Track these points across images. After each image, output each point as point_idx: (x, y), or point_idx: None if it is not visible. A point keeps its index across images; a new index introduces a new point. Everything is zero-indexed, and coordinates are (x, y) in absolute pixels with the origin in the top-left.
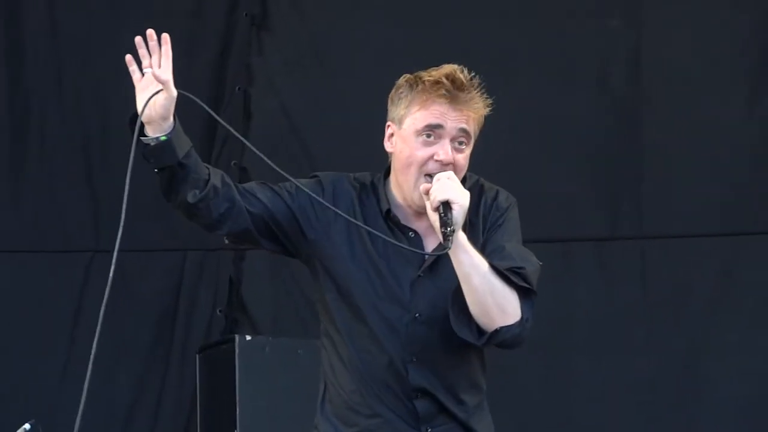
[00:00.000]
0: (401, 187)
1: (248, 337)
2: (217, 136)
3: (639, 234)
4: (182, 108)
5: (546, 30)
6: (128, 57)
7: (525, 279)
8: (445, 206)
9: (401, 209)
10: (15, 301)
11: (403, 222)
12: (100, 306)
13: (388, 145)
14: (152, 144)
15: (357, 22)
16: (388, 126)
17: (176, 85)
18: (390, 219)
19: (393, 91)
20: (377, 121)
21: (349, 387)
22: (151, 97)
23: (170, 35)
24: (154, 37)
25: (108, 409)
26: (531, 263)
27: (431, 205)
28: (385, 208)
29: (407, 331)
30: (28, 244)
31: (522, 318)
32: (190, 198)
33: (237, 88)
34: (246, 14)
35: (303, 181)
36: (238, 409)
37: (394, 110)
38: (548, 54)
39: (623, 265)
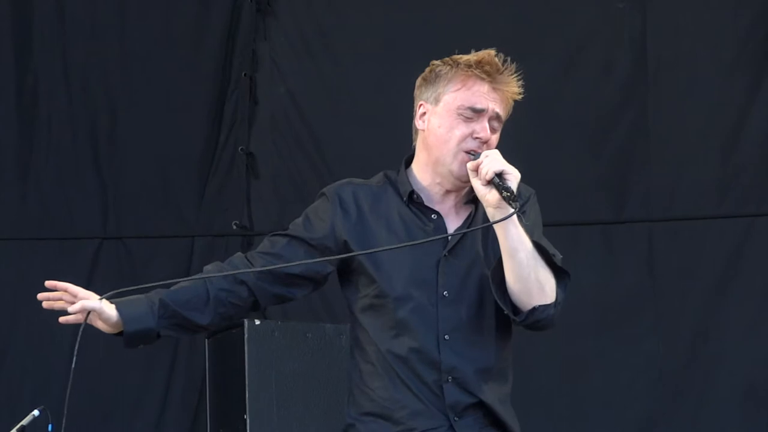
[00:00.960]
0: (434, 164)
1: (257, 322)
2: (223, 122)
3: (646, 217)
4: (189, 95)
5: (552, 14)
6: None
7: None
8: (500, 177)
9: (424, 191)
10: (24, 288)
11: (426, 203)
12: (107, 292)
13: (419, 123)
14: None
15: (362, 7)
16: (421, 105)
17: (184, 70)
18: (413, 202)
19: (426, 71)
20: (383, 105)
21: (376, 384)
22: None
23: (177, 22)
24: (54, 285)
25: (118, 395)
26: (557, 253)
27: (484, 178)
28: (407, 190)
29: (436, 311)
30: (36, 231)
31: (557, 299)
32: (206, 324)
33: (243, 73)
34: (251, 0)
35: (311, 205)
36: (247, 394)
37: (429, 89)
38: (554, 38)
39: (630, 249)
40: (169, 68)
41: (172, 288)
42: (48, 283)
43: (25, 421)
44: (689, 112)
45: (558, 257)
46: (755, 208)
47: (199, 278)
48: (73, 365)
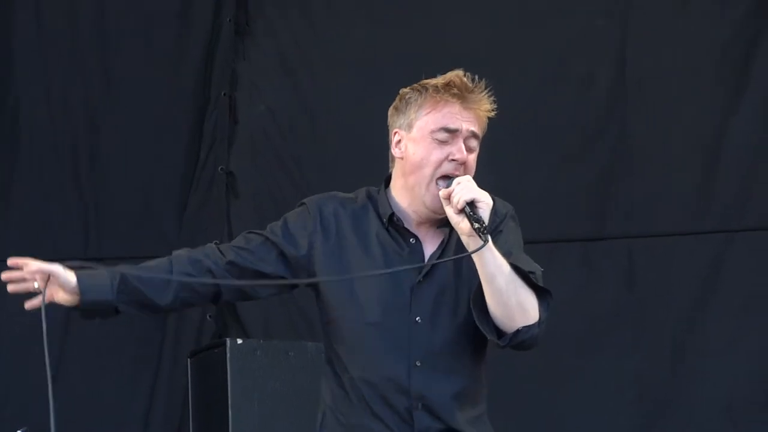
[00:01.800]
0: (411, 191)
1: (239, 341)
2: (203, 142)
3: (626, 233)
4: (169, 115)
5: (532, 29)
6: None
7: (538, 281)
8: (471, 206)
9: (403, 214)
10: (4, 310)
11: (406, 226)
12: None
13: (396, 152)
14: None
15: (341, 25)
16: (395, 133)
17: (164, 90)
18: (392, 224)
19: (397, 100)
20: (363, 123)
21: (347, 410)
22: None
23: (157, 41)
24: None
25: (98, 414)
26: (537, 269)
27: (455, 207)
28: (387, 212)
29: (409, 336)
30: (16, 252)
31: (540, 318)
32: (164, 305)
33: (223, 93)
34: (229, 20)
35: (292, 212)
36: (230, 412)
37: (401, 117)
38: (534, 53)
39: (610, 265)
40: (149, 87)
41: (137, 266)
42: (11, 261)
43: None
44: (670, 127)
45: (538, 274)
46: (735, 224)
47: (167, 259)
48: (47, 359)
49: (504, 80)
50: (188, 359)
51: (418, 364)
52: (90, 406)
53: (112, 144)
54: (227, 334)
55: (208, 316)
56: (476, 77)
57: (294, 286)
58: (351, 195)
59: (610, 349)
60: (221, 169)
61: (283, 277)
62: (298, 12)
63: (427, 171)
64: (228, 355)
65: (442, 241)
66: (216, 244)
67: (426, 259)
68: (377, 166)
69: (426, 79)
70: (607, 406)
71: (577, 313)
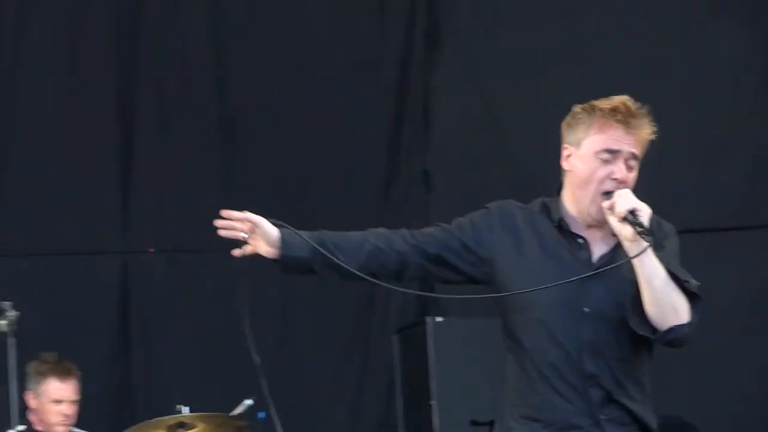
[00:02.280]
0: (577, 202)
1: (439, 319)
2: (401, 143)
3: None
4: (366, 118)
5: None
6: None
7: (691, 288)
8: (632, 214)
9: (572, 219)
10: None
11: (573, 230)
12: None
13: (565, 165)
14: (282, 266)
15: (524, 36)
16: (565, 148)
17: (365, 99)
18: (561, 227)
19: (568, 118)
20: (544, 127)
21: (530, 389)
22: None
23: (353, 54)
24: (228, 214)
25: (318, 384)
26: (692, 279)
27: (617, 216)
28: (557, 217)
29: (578, 325)
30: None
31: (690, 320)
32: (354, 269)
33: (417, 101)
34: (423, 31)
35: (476, 213)
36: (432, 383)
37: (572, 134)
38: (688, 54)
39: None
40: (351, 97)
41: (334, 232)
42: (224, 212)
43: (239, 409)
44: None
45: (692, 283)
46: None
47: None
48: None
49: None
50: (394, 336)
51: (588, 348)
52: (310, 378)
53: (313, 141)
54: (428, 313)
55: (411, 297)
56: (639, 104)
57: (476, 275)
58: (529, 204)
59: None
60: (419, 168)
61: (464, 271)
62: (484, 26)
63: (592, 187)
64: (428, 331)
65: (616, 244)
66: (407, 230)
67: (593, 258)
68: (552, 167)
69: (598, 100)
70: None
71: (733, 300)
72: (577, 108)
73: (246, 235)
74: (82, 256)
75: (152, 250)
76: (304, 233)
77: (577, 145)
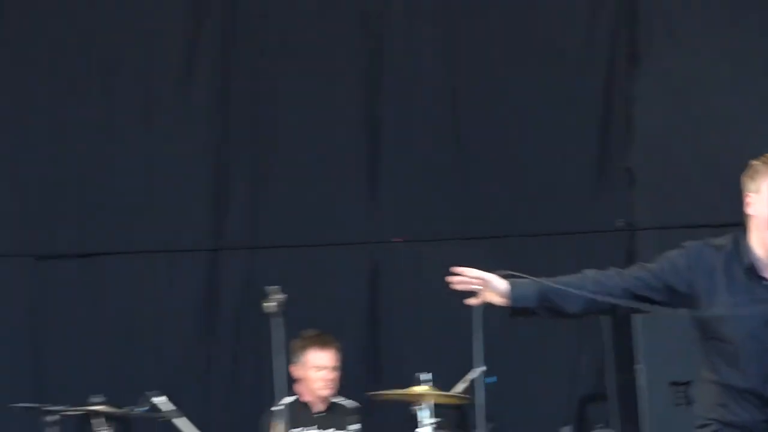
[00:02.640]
0: (762, 243)
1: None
2: (608, 141)
3: None
4: (576, 118)
5: None
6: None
7: None
8: None
9: (759, 261)
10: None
11: (759, 273)
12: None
13: (750, 210)
14: (511, 312)
15: (712, 46)
16: (747, 196)
17: (571, 106)
18: (751, 271)
19: (748, 170)
20: (745, 132)
21: (717, 400)
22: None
23: (558, 69)
24: (461, 271)
25: (550, 363)
26: None
27: None
28: (747, 263)
29: (763, 359)
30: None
31: None
32: (572, 313)
33: (621, 108)
34: (623, 46)
35: (675, 252)
36: (638, 348)
37: (753, 183)
38: None
39: None
40: (557, 105)
41: (553, 279)
42: (457, 269)
43: (470, 376)
44: None
45: None
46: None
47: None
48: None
49: None
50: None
51: None
52: (541, 360)
53: (531, 135)
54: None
55: None
56: None
57: (677, 305)
58: (722, 241)
59: None
60: (621, 165)
61: (666, 303)
62: (687, 36)
63: None
64: (635, 317)
65: None
66: (617, 269)
67: None
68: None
69: None
70: None
71: None
72: (755, 161)
73: (480, 288)
74: (331, 247)
75: (399, 239)
76: (527, 282)
77: (757, 191)
